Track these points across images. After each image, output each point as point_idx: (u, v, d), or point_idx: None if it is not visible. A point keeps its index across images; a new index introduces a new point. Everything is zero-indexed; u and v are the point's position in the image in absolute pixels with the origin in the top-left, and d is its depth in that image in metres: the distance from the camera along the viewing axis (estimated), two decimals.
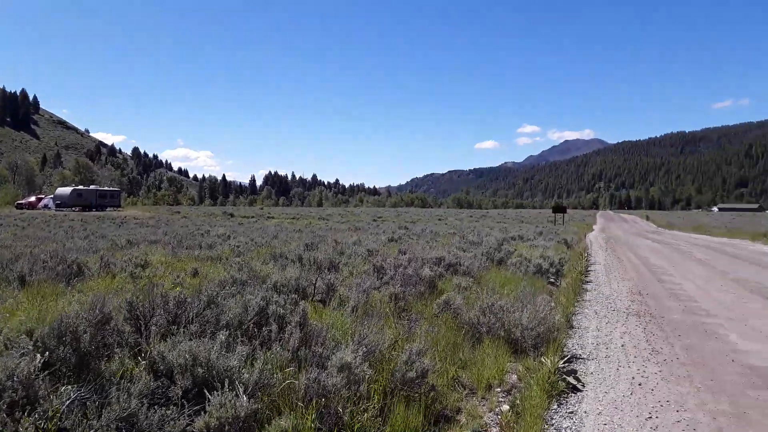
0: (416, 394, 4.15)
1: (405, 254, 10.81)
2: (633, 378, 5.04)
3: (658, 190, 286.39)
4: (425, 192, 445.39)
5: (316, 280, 6.73)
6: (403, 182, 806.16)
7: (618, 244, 25.30)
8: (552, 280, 12.42)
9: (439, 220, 59.18)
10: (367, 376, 3.88)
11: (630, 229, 46.45)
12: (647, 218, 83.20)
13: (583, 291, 10.67)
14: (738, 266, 14.99)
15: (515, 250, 14.51)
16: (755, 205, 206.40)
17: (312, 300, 6.46)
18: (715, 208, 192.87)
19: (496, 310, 6.31)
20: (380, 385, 4.08)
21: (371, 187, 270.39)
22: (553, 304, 8.68)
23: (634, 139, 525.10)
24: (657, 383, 4.87)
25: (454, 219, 64.09)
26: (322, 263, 9.40)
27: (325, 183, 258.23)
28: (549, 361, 5.13)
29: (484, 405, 4.46)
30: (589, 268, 14.68)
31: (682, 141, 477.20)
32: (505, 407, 4.42)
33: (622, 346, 6.32)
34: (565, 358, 5.42)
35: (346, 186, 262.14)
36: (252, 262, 9.34)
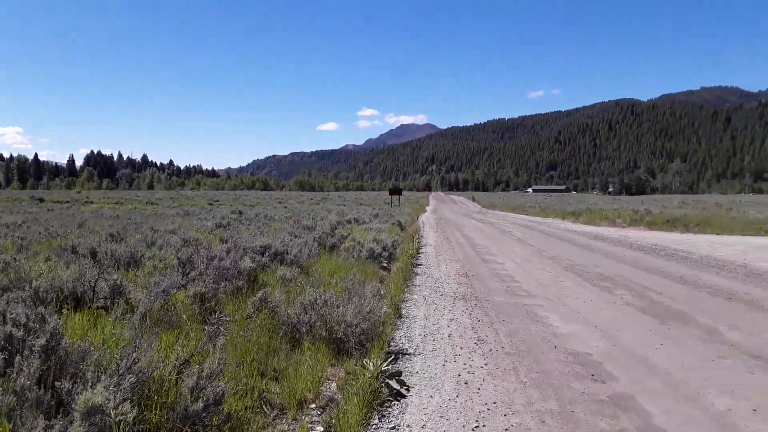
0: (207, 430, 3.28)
1: (226, 243, 9.70)
2: (459, 375, 4.69)
3: (482, 172, 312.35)
4: (267, 174, 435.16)
5: (96, 281, 5.43)
6: (244, 164, 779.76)
7: (448, 224, 26.47)
8: (385, 264, 12.18)
9: (279, 203, 57.73)
10: (131, 419, 2.91)
11: (458, 210, 49.54)
12: (473, 199, 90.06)
13: (414, 275, 10.53)
14: (552, 244, 16.26)
15: (349, 234, 14.09)
16: (563, 187, 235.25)
17: (89, 308, 5.18)
18: (530, 189, 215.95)
19: (319, 305, 5.62)
20: (152, 426, 3.13)
21: (209, 169, 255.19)
22: (383, 291, 8.32)
23: (462, 125, 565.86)
24: (483, 380, 4.56)
25: (294, 202, 63.05)
26: (120, 258, 7.94)
27: (158, 164, 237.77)
28: (372, 363, 4.57)
29: (293, 430, 3.73)
30: (420, 250, 14.81)
31: (503, 127, 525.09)
32: (319, 429, 3.74)
33: (449, 336, 6.04)
34: (390, 358, 4.91)
35: (182, 168, 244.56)
36: (27, 261, 7.57)
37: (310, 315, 5.44)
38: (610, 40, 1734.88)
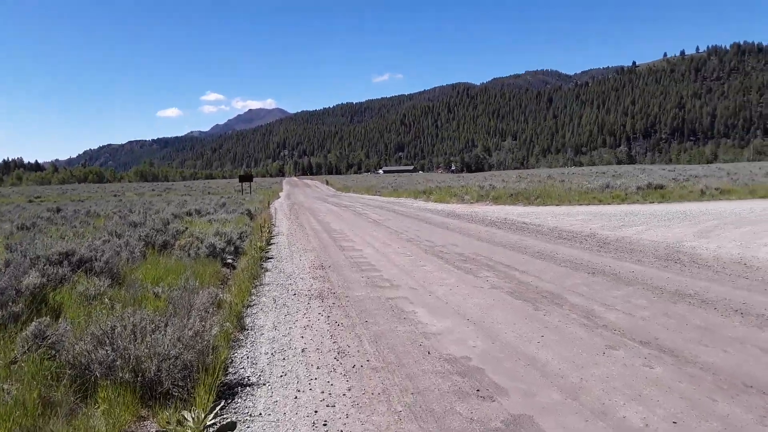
0: None
1: (12, 252, 7.53)
2: (316, 412, 3.58)
3: (334, 156, 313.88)
4: (103, 165, 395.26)
5: None
6: (75, 155, 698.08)
7: (302, 210, 25.23)
8: (230, 260, 10.67)
9: (115, 196, 52.08)
10: None
11: (312, 194, 48.43)
12: (327, 182, 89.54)
13: (263, 272, 9.20)
14: (408, 225, 15.81)
15: (187, 228, 12.25)
16: (411, 167, 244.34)
17: None
18: (381, 171, 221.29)
19: (120, 333, 4.13)
20: None
21: (32, 162, 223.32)
22: (224, 297, 6.94)
23: (312, 109, 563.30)
24: (347, 415, 3.49)
25: (133, 194, 57.42)
26: None
27: None
28: (193, 414, 3.28)
29: None
30: (272, 240, 13.45)
31: (351, 111, 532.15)
32: None
33: (303, 350, 4.90)
34: (220, 405, 3.63)
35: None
36: None
37: (107, 350, 3.94)
38: (443, 27, 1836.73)
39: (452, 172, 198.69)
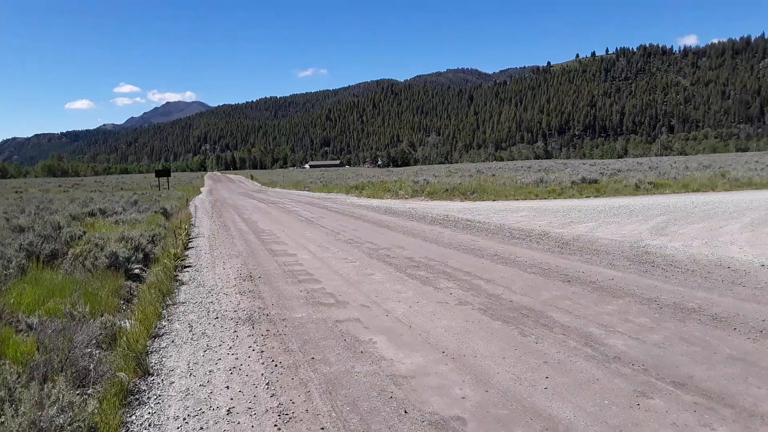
0: None
1: None
2: None
3: (259, 150, 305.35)
4: (7, 160, 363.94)
5: None
6: None
7: (225, 207, 23.28)
8: (137, 270, 8.96)
9: (16, 193, 47.22)
10: None
11: (237, 190, 45.92)
12: (252, 177, 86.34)
13: (178, 285, 7.62)
14: (345, 223, 14.51)
15: (85, 233, 10.33)
16: (338, 162, 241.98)
17: None
18: (307, 165, 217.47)
19: None
20: None
21: None
22: (123, 325, 5.42)
23: (234, 103, 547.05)
24: None
25: (37, 190, 52.32)
26: None
27: None
28: None
29: None
30: (190, 244, 11.77)
31: (275, 105, 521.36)
32: None
33: (229, 411, 3.54)
34: None
35: None
36: None
37: None
38: (366, 22, 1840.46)
39: (379, 166, 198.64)
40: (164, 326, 5.67)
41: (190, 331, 5.43)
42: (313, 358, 4.44)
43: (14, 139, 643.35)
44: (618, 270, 7.28)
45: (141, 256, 9.48)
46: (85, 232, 10.21)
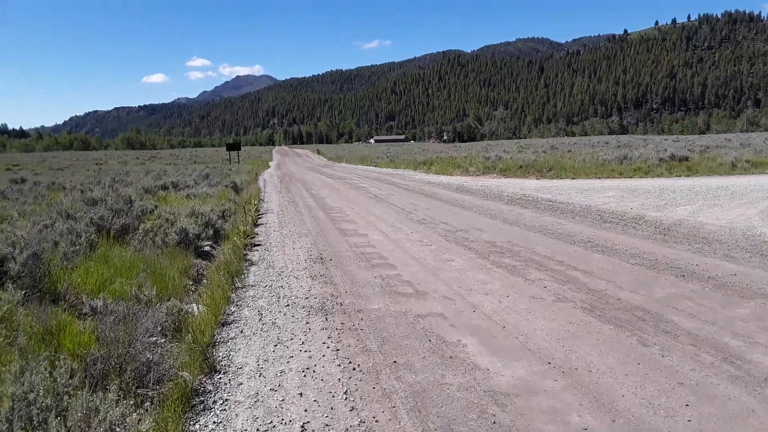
0: None
1: None
2: None
3: (325, 125, 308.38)
4: (89, 132, 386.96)
5: None
6: (60, 122, 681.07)
7: (293, 182, 23.20)
8: (207, 248, 8.77)
9: (97, 164, 49.79)
10: None
11: (304, 164, 46.25)
12: (318, 152, 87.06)
13: (247, 266, 7.29)
14: (416, 201, 13.89)
15: (157, 207, 10.26)
16: (402, 137, 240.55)
17: None
18: (372, 140, 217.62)
19: None
20: None
21: (17, 128, 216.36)
22: (192, 307, 5.11)
23: (301, 76, 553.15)
24: None
25: (116, 162, 54.91)
26: None
27: None
28: None
29: None
30: (259, 221, 11.53)
31: (341, 78, 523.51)
32: None
33: (303, 428, 3.05)
34: None
35: None
36: None
37: None
38: None
39: (444, 141, 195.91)
40: (233, 312, 5.30)
41: (260, 320, 5.02)
42: (395, 361, 3.89)
43: (95, 111, 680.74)
44: (739, 263, 6.28)
45: (211, 232, 9.29)
46: (156, 206, 10.13)
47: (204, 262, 7.76)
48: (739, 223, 8.79)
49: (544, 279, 5.89)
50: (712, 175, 17.64)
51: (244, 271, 6.95)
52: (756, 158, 19.68)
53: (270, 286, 6.19)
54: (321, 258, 7.57)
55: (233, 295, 5.94)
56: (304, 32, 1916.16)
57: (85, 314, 4.90)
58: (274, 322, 4.92)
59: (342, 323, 4.78)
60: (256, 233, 9.84)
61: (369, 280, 6.23)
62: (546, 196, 13.52)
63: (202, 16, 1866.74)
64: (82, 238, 6.73)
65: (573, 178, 18.98)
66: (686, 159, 20.38)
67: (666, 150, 24.63)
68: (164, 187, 15.22)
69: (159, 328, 4.58)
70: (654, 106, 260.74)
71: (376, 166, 36.35)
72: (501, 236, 8.55)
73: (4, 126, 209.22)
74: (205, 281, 6.73)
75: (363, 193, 16.71)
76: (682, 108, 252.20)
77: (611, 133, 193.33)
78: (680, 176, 17.77)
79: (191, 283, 6.51)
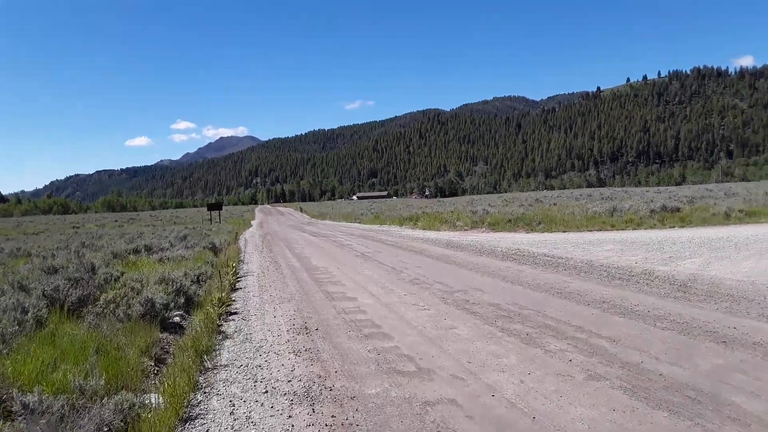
0: None
1: None
2: None
3: (307, 183, 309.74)
4: (70, 196, 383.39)
5: None
6: (41, 186, 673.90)
7: (275, 241, 22.32)
8: (177, 318, 7.83)
9: (73, 228, 48.48)
10: None
11: (287, 222, 45.42)
12: (301, 210, 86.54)
13: (221, 340, 6.36)
14: (406, 259, 13.10)
15: (123, 273, 9.31)
16: (385, 193, 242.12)
17: None
18: (354, 197, 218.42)
19: None
20: None
21: None
22: (149, 398, 4.20)
23: (284, 136, 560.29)
24: None
25: (93, 225, 53.59)
26: None
27: None
28: None
29: None
30: (238, 284, 10.63)
31: (324, 138, 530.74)
32: None
33: None
34: None
35: None
36: None
37: None
38: (413, 56, 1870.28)
39: (426, 197, 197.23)
40: (199, 403, 4.39)
41: (232, 413, 4.11)
42: None
43: (77, 175, 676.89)
44: None
45: (182, 300, 8.35)
46: (123, 273, 9.19)
47: (171, 337, 6.82)
48: (758, 277, 8.15)
49: (566, 350, 5.07)
50: (706, 225, 17.22)
51: (217, 348, 6.03)
52: (749, 208, 19.40)
53: (246, 366, 5.28)
54: (306, 328, 6.68)
55: (201, 378, 5.02)
56: (288, 94, 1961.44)
57: (15, 413, 3.97)
58: (249, 417, 4.01)
59: (333, 416, 3.89)
60: (233, 300, 8.91)
61: (362, 355, 5.36)
62: (542, 251, 12.85)
63: (187, 80, 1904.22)
64: (29, 315, 5.79)
65: (564, 231, 18.44)
66: (678, 210, 20.03)
67: (653, 201, 24.41)
68: (136, 251, 14.25)
69: (106, 429, 3.68)
70: (629, 159, 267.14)
71: (360, 222, 35.68)
72: (504, 297, 7.75)
73: None
74: (170, 360, 5.80)
75: (349, 251, 15.90)
76: (656, 161, 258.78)
77: (589, 185, 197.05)
78: (674, 227, 17.33)
79: (153, 364, 5.56)
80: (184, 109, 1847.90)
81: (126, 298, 7.28)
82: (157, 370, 5.44)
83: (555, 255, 12.04)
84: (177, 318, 7.77)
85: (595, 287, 8.10)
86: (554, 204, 33.13)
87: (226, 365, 5.38)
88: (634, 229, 17.73)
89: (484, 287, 8.65)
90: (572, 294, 7.68)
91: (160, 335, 6.72)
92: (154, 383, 4.93)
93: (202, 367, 5.29)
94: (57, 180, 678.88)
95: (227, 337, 6.52)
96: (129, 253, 13.57)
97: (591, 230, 18.27)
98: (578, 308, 6.79)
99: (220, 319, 7.41)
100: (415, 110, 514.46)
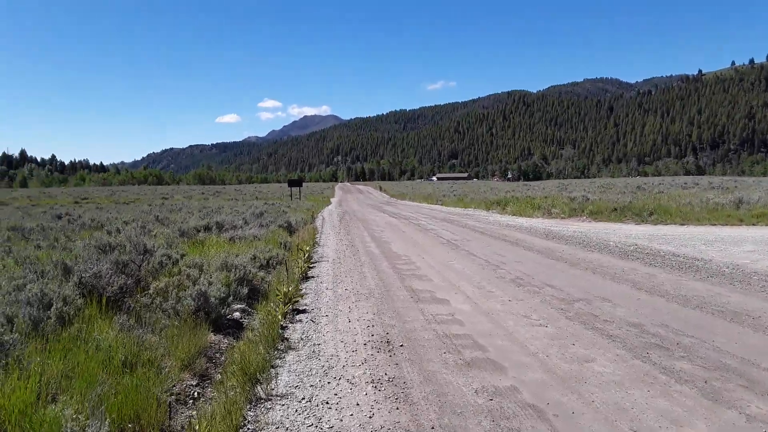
0: None
1: None
2: None
3: (387, 162, 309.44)
4: (164, 168, 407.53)
5: None
6: (139, 158, 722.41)
7: (354, 221, 21.16)
8: (237, 314, 6.67)
9: (163, 198, 50.27)
10: None
11: (366, 201, 44.51)
12: (380, 188, 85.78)
13: (281, 355, 5.05)
14: (501, 251, 11.36)
15: (184, 256, 8.28)
16: (465, 174, 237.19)
17: None
18: (434, 178, 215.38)
19: None
20: None
21: (97, 164, 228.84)
22: None
23: (365, 116, 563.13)
24: None
25: (181, 197, 55.43)
26: None
27: (38, 159, 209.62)
28: None
29: None
30: (310, 272, 9.40)
31: (404, 118, 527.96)
32: None
33: None
34: None
35: (66, 163, 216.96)
36: None
37: None
38: (499, 35, 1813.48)
39: (509, 180, 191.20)
40: None
41: None
42: None
43: (172, 149, 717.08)
44: None
45: (245, 291, 7.18)
46: (183, 256, 8.16)
47: (227, 341, 5.62)
48: None
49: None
50: None
51: (276, 363, 4.73)
52: None
53: (309, 402, 3.91)
54: (387, 342, 5.24)
55: (251, 414, 3.72)
56: (370, 74, 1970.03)
57: None
58: None
59: None
60: (303, 293, 7.65)
61: (467, 398, 3.83)
62: (667, 249, 10.71)
63: (275, 60, 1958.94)
64: (51, 310, 4.72)
65: (683, 224, 15.92)
66: None
67: None
68: (207, 228, 13.42)
69: None
70: (732, 147, 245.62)
71: (442, 204, 33.96)
72: (645, 314, 5.93)
73: (86, 161, 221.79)
74: (217, 377, 4.57)
75: (434, 238, 14.35)
76: (762, 149, 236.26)
77: (687, 173, 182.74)
78: None
79: (194, 384, 4.33)
80: (270, 88, 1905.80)
81: (177, 289, 6.17)
82: (198, 393, 4.21)
83: (687, 255, 9.89)
84: (237, 314, 6.60)
85: (763, 304, 6.07)
86: (660, 192, 29.78)
87: (283, 395, 4.04)
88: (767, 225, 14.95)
89: (612, 297, 6.83)
90: (741, 316, 5.73)
91: (213, 338, 5.54)
92: (189, 418, 3.67)
93: (252, 396, 3.99)
94: (153, 153, 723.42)
95: (291, 348, 5.21)
96: (198, 231, 12.76)
97: (715, 224, 15.65)
98: (759, 338, 4.89)
99: (285, 319, 6.15)
100: (499, 91, 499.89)
